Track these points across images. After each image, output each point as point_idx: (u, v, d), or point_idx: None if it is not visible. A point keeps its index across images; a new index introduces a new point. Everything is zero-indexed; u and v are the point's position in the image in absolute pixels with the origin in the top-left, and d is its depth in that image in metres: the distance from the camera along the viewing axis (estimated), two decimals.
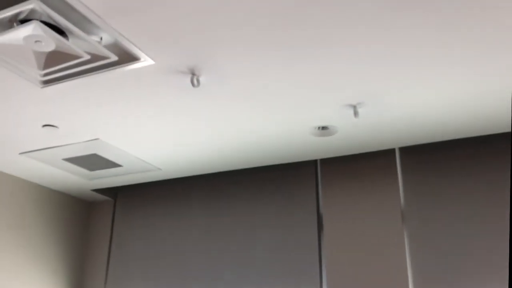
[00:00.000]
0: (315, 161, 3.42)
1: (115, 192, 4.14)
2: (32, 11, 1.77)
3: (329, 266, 3.13)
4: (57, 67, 2.08)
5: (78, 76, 2.22)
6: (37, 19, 1.82)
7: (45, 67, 2.09)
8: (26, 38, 1.87)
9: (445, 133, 2.87)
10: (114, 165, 3.38)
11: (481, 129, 2.81)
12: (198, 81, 2.21)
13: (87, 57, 1.99)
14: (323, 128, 2.80)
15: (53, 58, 2.03)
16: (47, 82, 2.29)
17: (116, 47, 2.02)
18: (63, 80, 2.26)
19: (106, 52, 2.00)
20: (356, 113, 2.52)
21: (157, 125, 2.76)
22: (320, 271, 3.17)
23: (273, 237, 3.38)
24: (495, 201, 2.85)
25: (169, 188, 3.89)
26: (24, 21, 1.84)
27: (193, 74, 2.19)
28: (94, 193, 4.04)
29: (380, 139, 2.97)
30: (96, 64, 2.09)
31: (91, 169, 3.45)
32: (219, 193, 3.67)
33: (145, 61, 2.10)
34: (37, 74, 2.19)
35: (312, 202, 3.34)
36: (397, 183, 3.13)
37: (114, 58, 2.04)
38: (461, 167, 3.00)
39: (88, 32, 1.92)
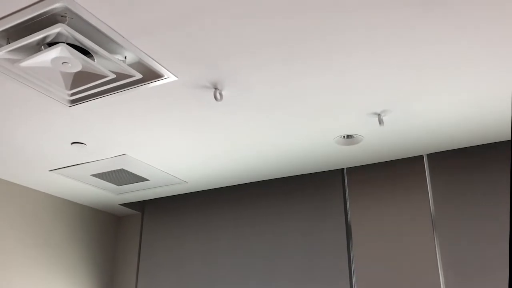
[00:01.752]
0: (341, 170, 3.40)
1: (142, 206, 4.19)
2: (58, 34, 1.82)
3: (359, 276, 3.09)
4: (84, 86, 2.12)
5: (104, 95, 2.26)
6: (63, 42, 1.87)
7: (72, 87, 2.13)
8: (54, 60, 1.92)
9: (472, 138, 2.82)
10: (141, 179, 3.42)
11: (508, 134, 2.75)
12: (221, 95, 2.22)
13: (112, 76, 2.03)
14: (348, 136, 2.78)
15: (79, 78, 2.07)
16: (74, 102, 2.34)
17: (140, 65, 2.05)
18: (90, 99, 2.31)
19: (130, 71, 2.04)
20: (381, 121, 2.50)
21: (182, 139, 2.79)
22: (351, 281, 3.13)
23: (302, 248, 3.36)
24: None
25: (196, 201, 3.91)
26: (51, 44, 1.89)
27: (215, 88, 2.21)
28: (122, 207, 4.10)
29: (407, 146, 2.93)
30: (121, 83, 2.13)
31: (118, 183, 3.50)
32: (246, 204, 3.67)
33: (168, 78, 2.13)
34: (65, 94, 2.24)
35: (340, 212, 3.31)
36: (426, 190, 3.08)
37: (138, 76, 2.08)
38: (491, 172, 2.93)
39: (112, 52, 1.96)
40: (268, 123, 2.59)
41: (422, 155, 3.15)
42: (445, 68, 2.09)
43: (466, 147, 3.01)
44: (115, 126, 2.61)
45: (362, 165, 3.31)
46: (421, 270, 2.93)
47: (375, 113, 2.49)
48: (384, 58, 2.01)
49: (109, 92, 2.25)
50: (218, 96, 2.21)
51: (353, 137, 2.78)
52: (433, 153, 3.11)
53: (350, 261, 3.17)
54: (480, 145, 2.98)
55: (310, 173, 3.47)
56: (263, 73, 2.11)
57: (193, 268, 3.71)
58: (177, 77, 2.12)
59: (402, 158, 3.19)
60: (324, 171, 3.43)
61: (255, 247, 3.52)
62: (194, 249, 3.77)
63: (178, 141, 2.82)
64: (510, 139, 2.85)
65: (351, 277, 3.14)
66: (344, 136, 2.78)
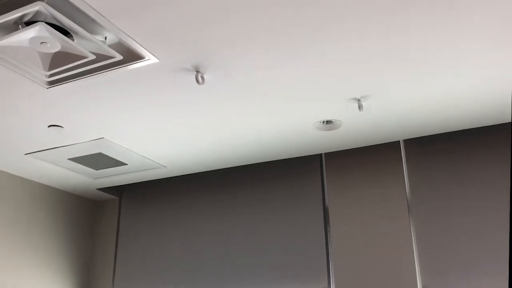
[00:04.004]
0: (319, 155, 3.43)
1: (120, 191, 4.16)
2: (37, 13, 1.78)
3: (336, 258, 3.15)
4: (63, 67, 2.09)
5: (83, 76, 2.23)
6: (42, 21, 1.83)
7: (50, 68, 2.09)
8: (32, 39, 1.88)
9: (449, 124, 2.88)
10: (119, 163, 3.39)
11: (485, 119, 2.82)
12: (203, 78, 2.22)
13: (92, 57, 2.00)
14: (327, 122, 2.81)
15: (58, 59, 2.04)
16: (52, 83, 2.30)
17: (120, 46, 2.03)
18: (69, 81, 2.27)
19: (111, 52, 2.01)
20: (360, 107, 2.53)
21: (162, 123, 2.77)
22: (328, 264, 3.19)
23: (280, 232, 3.39)
24: (499, 190, 2.86)
25: (174, 186, 3.90)
26: (29, 23, 1.84)
27: (197, 71, 2.20)
28: (100, 192, 4.06)
29: (384, 132, 2.98)
30: (100, 64, 2.10)
31: (96, 168, 3.47)
32: (224, 189, 3.69)
33: (149, 60, 2.11)
34: (43, 75, 2.20)
35: (318, 196, 3.35)
36: (402, 175, 3.14)
37: (118, 57, 2.05)
38: (466, 158, 3.01)
39: (92, 32, 1.93)
40: (249, 108, 2.59)
41: (399, 141, 3.20)
42: (423, 54, 2.12)
43: (442, 133, 3.08)
44: (94, 108, 2.57)
45: (340, 151, 3.35)
46: (396, 253, 2.99)
47: (355, 99, 2.52)
48: (365, 45, 2.03)
49: (88, 74, 2.21)
50: (200, 79, 2.20)
51: (332, 122, 2.81)
52: (410, 139, 3.17)
53: (327, 245, 3.22)
54: (455, 131, 3.05)
55: (289, 158, 3.50)
56: (244, 58, 2.10)
57: (172, 254, 3.71)
58: (158, 59, 2.10)
59: (379, 144, 3.24)
60: (302, 157, 3.46)
61: (235, 232, 3.54)
62: (172, 234, 3.77)
63: (157, 125, 2.80)
64: (487, 124, 2.92)
65: (328, 260, 3.19)
66: (323, 122, 2.81)
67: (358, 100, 2.53)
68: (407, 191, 3.11)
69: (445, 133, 3.07)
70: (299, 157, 3.47)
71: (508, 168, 2.87)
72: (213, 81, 2.29)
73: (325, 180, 3.37)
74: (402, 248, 2.99)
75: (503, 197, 2.84)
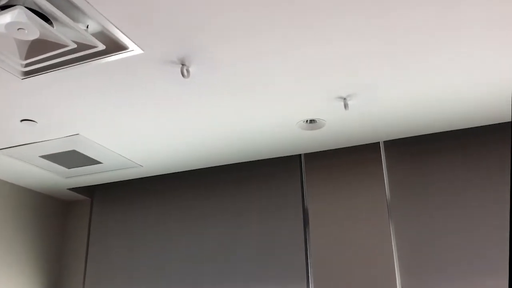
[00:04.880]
0: (299, 155, 3.40)
1: (92, 191, 4.02)
2: None
3: (315, 260, 3.11)
4: (41, 56, 1.98)
5: (62, 67, 2.13)
6: (20, 5, 1.72)
7: (27, 57, 1.98)
8: (8, 25, 1.77)
9: (430, 125, 2.89)
10: (94, 162, 3.27)
11: (467, 121, 2.84)
12: (188, 71, 2.15)
13: (73, 45, 1.91)
14: (311, 121, 2.78)
15: (36, 47, 1.93)
16: (28, 73, 2.18)
17: (103, 36, 1.94)
18: (46, 71, 2.16)
19: (93, 40, 1.92)
20: (346, 106, 2.50)
21: (142, 120, 2.68)
22: (307, 265, 3.15)
23: (259, 233, 3.34)
24: (479, 193, 2.88)
25: (148, 186, 3.79)
26: (6, 7, 1.74)
27: (183, 64, 2.13)
28: (71, 192, 3.91)
29: (366, 133, 2.97)
30: (81, 54, 2.01)
31: (69, 166, 3.33)
32: (202, 190, 3.60)
33: (133, 51, 2.02)
34: (18, 64, 2.08)
35: (298, 197, 3.31)
36: (382, 177, 3.13)
37: (101, 46, 1.96)
38: (446, 160, 3.03)
39: (74, 19, 1.84)
40: (232, 105, 2.53)
41: (379, 142, 3.20)
42: (410, 54, 2.11)
43: (422, 135, 3.09)
44: (70, 102, 2.46)
45: (320, 152, 3.33)
46: (376, 254, 2.98)
47: (341, 97, 2.50)
48: (353, 42, 2.00)
49: (67, 64, 2.11)
50: (185, 72, 2.13)
51: (316, 121, 2.78)
52: (390, 140, 3.17)
53: (307, 247, 3.19)
54: (436, 132, 3.06)
55: (268, 159, 3.45)
56: (230, 54, 2.05)
57: (145, 257, 3.60)
58: (143, 50, 2.02)
59: (359, 145, 3.23)
60: (282, 157, 3.42)
61: (212, 234, 3.46)
62: (146, 236, 3.65)
63: (137, 122, 2.71)
64: (468, 126, 2.95)
65: (307, 262, 3.15)
66: (307, 121, 2.78)
67: (344, 98, 2.50)
68: (387, 192, 3.11)
69: (425, 135, 3.08)
70: (279, 157, 3.42)
71: (490, 170, 2.90)
72: (198, 75, 2.23)
73: (304, 181, 3.34)
74: (381, 250, 2.98)
75: (482, 198, 2.87)
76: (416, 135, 3.05)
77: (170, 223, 3.62)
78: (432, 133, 3.07)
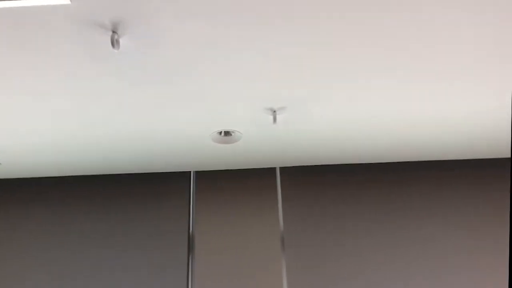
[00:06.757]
0: (189, 172, 3.02)
1: None
2: None
3: None
4: None
5: None
6: None
7: None
8: None
9: (340, 155, 2.80)
10: None
11: (376, 157, 2.81)
12: (117, 42, 1.68)
13: None
14: (226, 133, 2.47)
15: None
16: None
17: None
18: None
19: None
20: (274, 119, 2.26)
21: (16, 99, 2.06)
22: None
23: (138, 259, 2.82)
24: (372, 225, 2.86)
25: (9, 190, 2.94)
26: None
27: (114, 32, 1.66)
28: None
29: (268, 157, 2.77)
30: None
31: None
32: (73, 200, 2.95)
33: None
34: None
35: (184, 220, 2.91)
36: (276, 204, 2.94)
37: None
38: (340, 191, 2.96)
39: None
40: (143, 98, 2.09)
41: (275, 167, 3.02)
42: (346, 73, 1.97)
43: (319, 165, 2.97)
44: None
45: (214, 170, 3.00)
46: (266, 286, 2.74)
47: (271, 109, 2.25)
48: (287, 55, 1.79)
49: None
50: (115, 42, 1.66)
51: (231, 134, 2.48)
52: (287, 167, 3.00)
53: (189, 274, 2.78)
54: (340, 164, 2.97)
55: (159, 173, 2.99)
56: (170, 34, 1.66)
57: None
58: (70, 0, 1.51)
59: (255, 169, 3.00)
60: (173, 172, 2.99)
61: (83, 253, 2.82)
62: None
63: (8, 101, 2.07)
64: (358, 162, 2.93)
65: None
66: (221, 132, 2.46)
67: (274, 111, 2.26)
68: (280, 221, 2.90)
69: (331, 165, 2.96)
70: (170, 172, 2.99)
71: (380, 204, 2.91)
72: (129, 51, 1.76)
73: (193, 202, 2.96)
74: (272, 281, 2.75)
75: (377, 232, 2.84)
76: (325, 164, 2.93)
77: (33, 239, 2.86)
78: (335, 164, 2.98)
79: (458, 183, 2.90)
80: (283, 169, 3.00)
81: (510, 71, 1.97)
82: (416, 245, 2.79)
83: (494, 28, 1.69)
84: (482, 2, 1.56)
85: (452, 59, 1.89)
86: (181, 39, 1.72)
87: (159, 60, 1.84)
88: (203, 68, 1.91)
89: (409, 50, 1.82)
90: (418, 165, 2.93)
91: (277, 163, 2.93)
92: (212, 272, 2.78)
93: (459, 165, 2.90)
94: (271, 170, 3.01)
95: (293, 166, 2.98)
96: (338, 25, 1.67)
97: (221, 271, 2.78)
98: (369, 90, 2.11)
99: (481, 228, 2.79)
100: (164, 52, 1.79)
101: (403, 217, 2.87)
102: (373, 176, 2.97)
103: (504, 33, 1.72)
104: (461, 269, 2.71)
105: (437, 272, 2.72)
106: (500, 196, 2.74)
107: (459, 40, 1.76)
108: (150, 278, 2.78)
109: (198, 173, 3.01)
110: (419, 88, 2.09)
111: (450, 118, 2.36)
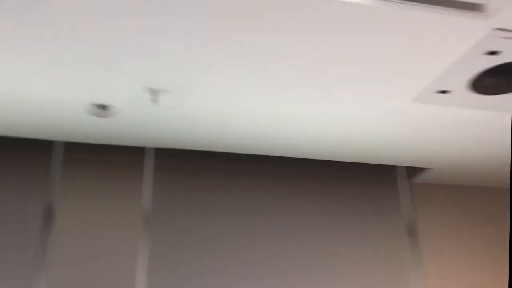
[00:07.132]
0: (52, 142, 2.87)
1: None
2: None
3: (53, 267, 2.63)
4: None
5: None
6: None
7: None
8: None
9: (219, 144, 2.88)
10: None
11: (259, 149, 2.94)
12: None
13: None
14: (103, 107, 2.41)
15: None
16: None
17: None
18: None
19: None
20: (154, 100, 2.27)
21: None
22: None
23: None
24: (245, 218, 2.99)
25: None
26: None
27: None
28: None
29: (143, 136, 2.75)
30: None
31: None
32: None
33: None
34: None
35: (43, 191, 2.77)
36: (142, 185, 2.93)
37: None
38: (214, 181, 3.05)
39: None
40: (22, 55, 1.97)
41: (148, 147, 3.00)
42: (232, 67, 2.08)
43: (204, 151, 3.02)
44: None
45: (84, 143, 2.90)
46: (120, 265, 2.73)
47: (151, 89, 2.25)
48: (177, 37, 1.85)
49: None
50: None
51: (106, 109, 2.42)
52: (162, 148, 3.00)
53: (45, 247, 2.67)
54: (216, 152, 3.04)
55: (24, 139, 2.79)
56: None
57: None
58: None
59: (127, 146, 2.95)
60: (39, 140, 2.82)
61: None
62: None
63: None
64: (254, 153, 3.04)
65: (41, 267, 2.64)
66: (96, 105, 2.39)
67: (156, 91, 2.27)
68: (145, 202, 2.91)
69: (206, 152, 3.02)
70: (34, 139, 2.81)
71: (255, 196, 3.05)
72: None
73: (57, 174, 2.83)
74: (127, 261, 2.75)
75: (247, 227, 2.97)
76: (201, 149, 2.97)
77: None
78: (213, 152, 3.04)
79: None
80: (159, 150, 3.00)
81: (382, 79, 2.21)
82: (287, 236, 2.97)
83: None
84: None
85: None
86: None
87: (39, 18, 1.75)
88: (89, 31, 1.85)
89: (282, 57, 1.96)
90: (290, 161, 3.13)
91: (152, 143, 2.91)
92: (70, 243, 2.70)
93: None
94: (144, 150, 2.99)
95: (169, 148, 2.98)
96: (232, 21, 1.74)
97: (79, 243, 2.71)
98: (248, 89, 2.22)
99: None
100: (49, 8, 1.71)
101: (273, 209, 3.04)
102: (260, 168, 3.10)
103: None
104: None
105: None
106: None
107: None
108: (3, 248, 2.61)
109: (67, 144, 2.88)
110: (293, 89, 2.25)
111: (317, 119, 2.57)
